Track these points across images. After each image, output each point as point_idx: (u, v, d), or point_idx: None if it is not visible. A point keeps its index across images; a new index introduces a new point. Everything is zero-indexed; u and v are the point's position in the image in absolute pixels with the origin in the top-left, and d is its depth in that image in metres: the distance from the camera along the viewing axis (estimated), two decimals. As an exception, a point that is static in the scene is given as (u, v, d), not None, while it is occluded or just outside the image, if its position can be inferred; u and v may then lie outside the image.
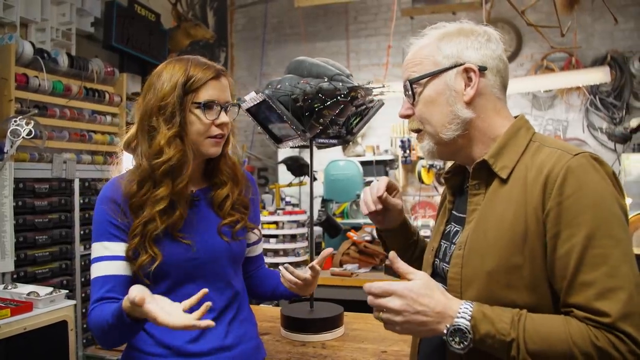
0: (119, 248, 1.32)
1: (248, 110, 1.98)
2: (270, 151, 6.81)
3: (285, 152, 5.60)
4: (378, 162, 6.10)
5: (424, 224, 6.02)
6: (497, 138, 1.12)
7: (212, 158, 1.43)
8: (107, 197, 1.35)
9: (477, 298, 1.01)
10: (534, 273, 0.99)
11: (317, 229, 3.74)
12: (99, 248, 1.32)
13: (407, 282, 0.98)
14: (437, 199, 1.26)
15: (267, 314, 2.32)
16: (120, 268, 1.31)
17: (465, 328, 0.94)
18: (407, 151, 5.95)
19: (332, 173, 5.38)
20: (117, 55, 4.47)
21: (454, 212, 1.23)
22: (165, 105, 1.31)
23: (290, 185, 3.70)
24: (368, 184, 5.78)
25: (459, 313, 0.96)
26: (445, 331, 0.95)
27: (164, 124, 1.32)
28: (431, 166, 5.81)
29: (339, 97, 1.77)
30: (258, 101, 1.86)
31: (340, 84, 1.76)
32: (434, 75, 1.12)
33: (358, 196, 5.49)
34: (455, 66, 1.11)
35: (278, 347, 1.87)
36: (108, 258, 1.31)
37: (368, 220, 5.09)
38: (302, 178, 3.63)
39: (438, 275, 1.19)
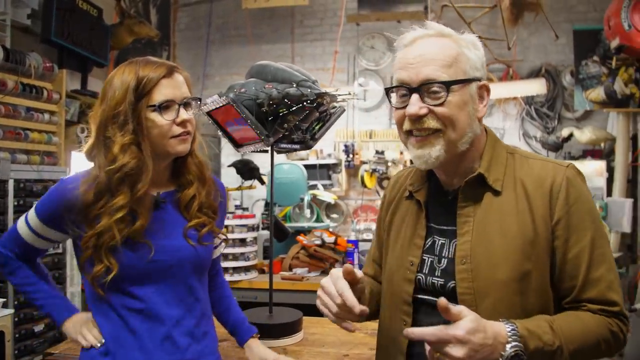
0: (48, 231, 1.37)
1: (208, 113, 1.95)
2: (212, 153, 6.68)
3: (232, 155, 5.53)
4: (322, 166, 6.15)
5: (365, 227, 6.13)
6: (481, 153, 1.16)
7: (179, 157, 1.39)
8: (67, 196, 1.30)
9: (494, 308, 1.04)
10: (541, 277, 1.06)
11: (265, 233, 3.72)
12: (35, 220, 1.36)
13: (460, 323, 0.93)
14: (379, 203, 1.27)
15: (222, 320, 2.27)
16: (41, 243, 1.40)
17: (522, 352, 0.95)
18: (350, 155, 6.07)
19: (276, 177, 5.34)
20: (56, 50, 4.25)
21: (432, 224, 1.21)
22: (118, 113, 1.27)
23: (239, 188, 3.66)
24: (312, 187, 5.80)
25: (509, 338, 0.95)
26: (500, 359, 0.94)
27: (118, 132, 1.28)
28: (374, 170, 5.91)
29: (305, 103, 1.77)
30: (221, 104, 1.83)
31: (308, 90, 1.77)
32: (465, 82, 1.09)
33: (302, 200, 5.50)
34: (476, 80, 1.11)
35: (239, 353, 1.83)
36: (37, 234, 1.37)
37: (313, 224, 5.11)
38: (252, 182, 3.60)
39: (423, 289, 1.18)
